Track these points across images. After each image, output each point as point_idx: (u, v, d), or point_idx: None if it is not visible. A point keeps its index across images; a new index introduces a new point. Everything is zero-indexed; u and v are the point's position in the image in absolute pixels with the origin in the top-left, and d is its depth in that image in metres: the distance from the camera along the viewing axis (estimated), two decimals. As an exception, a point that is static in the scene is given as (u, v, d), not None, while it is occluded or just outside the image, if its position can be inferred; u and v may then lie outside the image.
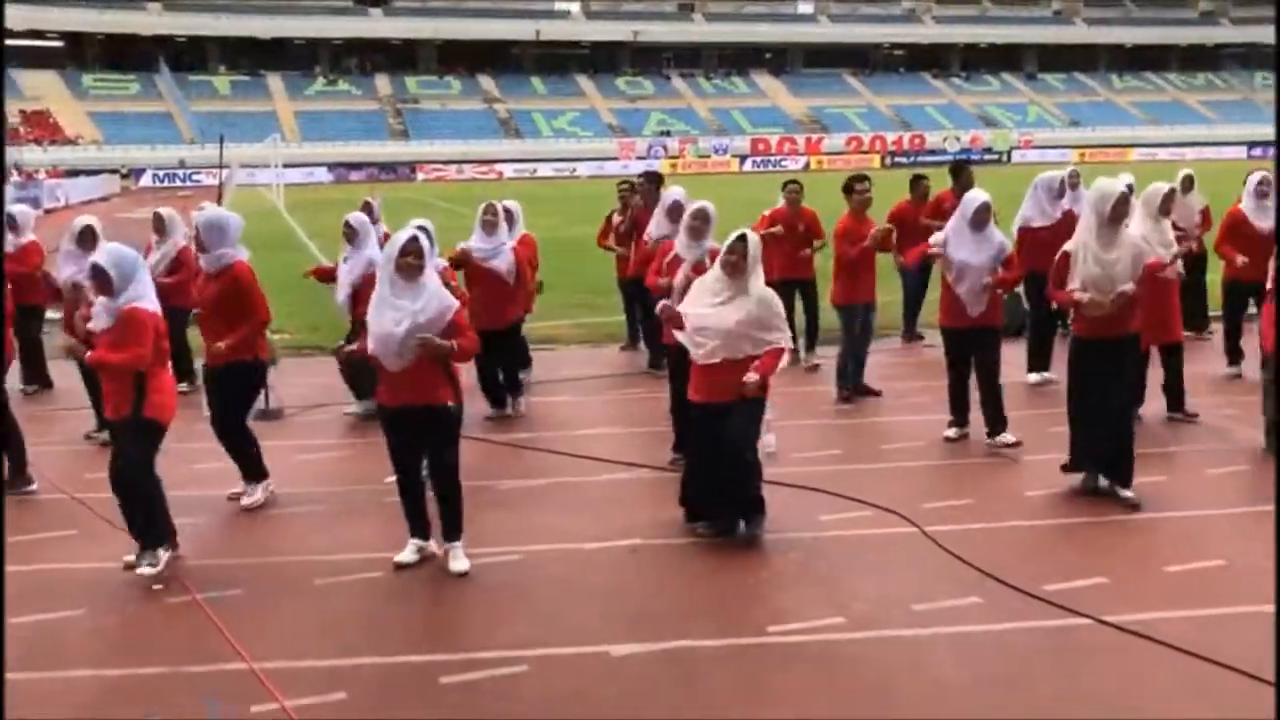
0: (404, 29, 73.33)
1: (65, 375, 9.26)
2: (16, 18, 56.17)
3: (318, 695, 4.36)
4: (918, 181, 11.13)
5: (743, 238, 5.68)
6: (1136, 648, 4.61)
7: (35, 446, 7.21)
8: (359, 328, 6.45)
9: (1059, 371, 8.92)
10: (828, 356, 9.61)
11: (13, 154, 49.72)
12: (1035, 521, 6.17)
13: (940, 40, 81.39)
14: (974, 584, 5.27)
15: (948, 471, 7.20)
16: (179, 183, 55.03)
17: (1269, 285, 7.23)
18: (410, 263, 5.27)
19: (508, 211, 8.85)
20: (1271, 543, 5.72)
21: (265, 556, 5.91)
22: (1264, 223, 9.04)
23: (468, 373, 7.27)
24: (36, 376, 9.86)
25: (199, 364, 7.91)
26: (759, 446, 5.80)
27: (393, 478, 5.71)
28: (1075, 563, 5.52)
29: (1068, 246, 6.30)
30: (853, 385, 8.93)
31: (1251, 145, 65.11)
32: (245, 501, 6.58)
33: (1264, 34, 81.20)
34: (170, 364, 5.86)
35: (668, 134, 69.25)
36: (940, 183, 11.36)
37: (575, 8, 77.75)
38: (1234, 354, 9.43)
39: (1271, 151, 58.85)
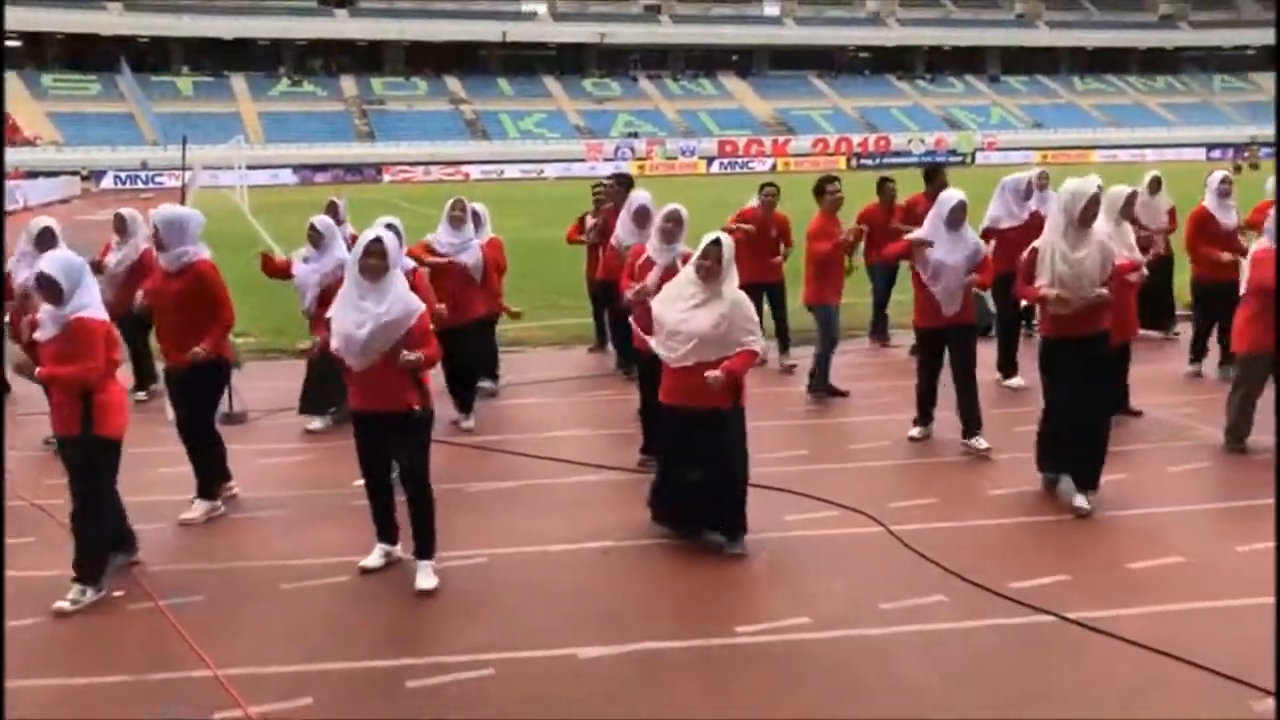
0: (370, 30, 72.89)
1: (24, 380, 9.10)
2: (-27, 17, 55.32)
3: (283, 701, 4.33)
4: (884, 184, 11.18)
5: (717, 242, 5.66)
6: (1100, 644, 4.66)
7: (-7, 452, 7.10)
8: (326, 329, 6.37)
9: (1026, 374, 9.02)
10: (804, 357, 9.64)
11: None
12: (1000, 520, 6.23)
13: (905, 43, 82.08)
14: (940, 582, 5.31)
15: (914, 471, 7.25)
16: (141, 184, 54.27)
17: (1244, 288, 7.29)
18: (373, 264, 5.21)
19: (475, 214, 8.83)
20: (1231, 539, 5.83)
21: (229, 561, 5.85)
22: (1228, 220, 9.23)
23: (435, 376, 7.23)
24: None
25: (160, 367, 7.81)
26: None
27: (361, 481, 5.67)
28: (1039, 560, 5.58)
29: (1036, 244, 6.36)
30: (819, 386, 8.98)
31: (1211, 147, 66.13)
32: (183, 516, 6.38)
33: (1222, 37, 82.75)
34: (131, 370, 5.72)
35: (635, 136, 69.24)
36: (907, 186, 11.44)
37: (542, 9, 77.61)
38: (1199, 352, 9.51)
39: (1229, 153, 59.90)
